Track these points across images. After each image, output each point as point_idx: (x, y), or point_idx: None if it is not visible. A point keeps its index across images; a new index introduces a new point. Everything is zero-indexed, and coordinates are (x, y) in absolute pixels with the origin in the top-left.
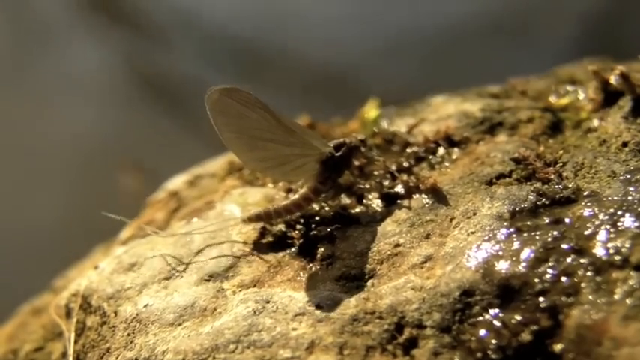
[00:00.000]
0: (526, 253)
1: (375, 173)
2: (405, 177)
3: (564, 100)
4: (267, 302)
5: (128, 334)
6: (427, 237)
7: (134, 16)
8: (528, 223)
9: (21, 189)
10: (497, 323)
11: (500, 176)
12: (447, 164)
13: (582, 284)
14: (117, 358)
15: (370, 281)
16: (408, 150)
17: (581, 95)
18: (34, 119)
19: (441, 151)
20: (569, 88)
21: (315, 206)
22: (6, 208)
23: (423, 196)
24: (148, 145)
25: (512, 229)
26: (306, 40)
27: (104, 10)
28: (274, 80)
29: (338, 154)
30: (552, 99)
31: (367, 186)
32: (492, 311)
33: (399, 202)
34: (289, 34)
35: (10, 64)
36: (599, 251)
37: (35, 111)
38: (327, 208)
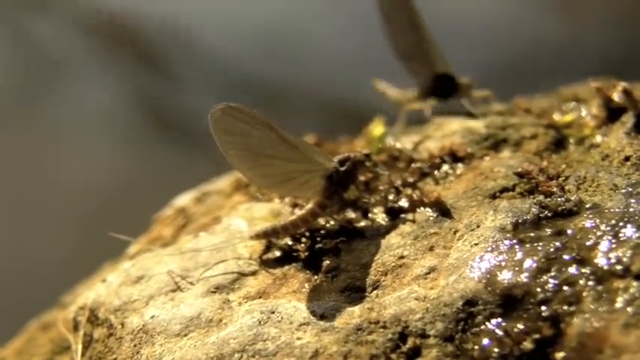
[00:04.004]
0: (528, 263)
1: (380, 188)
2: (409, 191)
3: (568, 118)
4: (273, 313)
5: (135, 345)
6: (431, 249)
7: (146, 53)
8: (531, 234)
9: (34, 220)
10: (499, 332)
11: (504, 190)
12: (451, 179)
13: (584, 293)
14: None
15: (374, 292)
16: (413, 165)
17: (585, 112)
18: (48, 152)
19: (446, 166)
20: (573, 105)
21: (321, 220)
22: (18, 237)
23: (427, 209)
24: (161, 179)
25: (514, 241)
26: (317, 72)
27: (116, 47)
28: (286, 112)
29: (342, 168)
30: (556, 116)
31: (372, 200)
32: (495, 320)
33: (403, 215)
34: (300, 65)
35: (23, 100)
36: (600, 261)
37: (50, 145)
38: (332, 222)
